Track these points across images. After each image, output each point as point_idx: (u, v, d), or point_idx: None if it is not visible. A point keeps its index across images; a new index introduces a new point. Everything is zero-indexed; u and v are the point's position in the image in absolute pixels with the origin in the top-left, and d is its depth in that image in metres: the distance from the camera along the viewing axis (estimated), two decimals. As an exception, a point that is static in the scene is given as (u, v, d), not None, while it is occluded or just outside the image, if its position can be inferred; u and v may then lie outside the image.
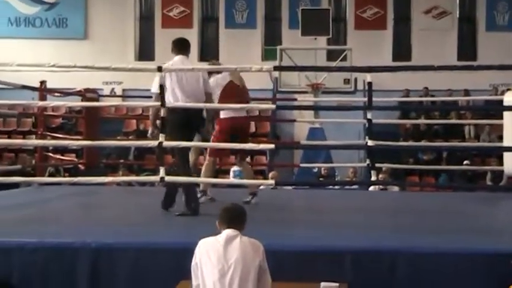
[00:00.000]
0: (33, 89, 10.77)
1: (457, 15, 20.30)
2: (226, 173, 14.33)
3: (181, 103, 7.00)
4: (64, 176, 14.55)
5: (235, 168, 13.23)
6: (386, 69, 9.87)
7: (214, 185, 9.01)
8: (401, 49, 20.35)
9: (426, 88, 18.39)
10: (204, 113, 7.43)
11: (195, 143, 8.11)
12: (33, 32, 20.64)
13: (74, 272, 5.07)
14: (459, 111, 18.27)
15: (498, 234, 6.04)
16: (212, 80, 7.85)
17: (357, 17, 20.38)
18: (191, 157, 8.61)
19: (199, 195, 7.80)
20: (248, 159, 10.98)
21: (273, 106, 11.71)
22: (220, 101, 7.94)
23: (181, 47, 7.36)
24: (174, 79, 7.07)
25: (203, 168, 8.18)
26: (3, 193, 10.12)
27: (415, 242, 5.34)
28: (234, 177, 13.15)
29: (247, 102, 8.37)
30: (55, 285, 5.10)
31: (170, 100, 7.02)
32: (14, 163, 16.38)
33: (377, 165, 7.56)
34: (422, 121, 17.65)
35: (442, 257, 5.00)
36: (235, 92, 8.06)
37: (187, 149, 7.34)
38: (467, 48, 20.05)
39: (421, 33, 20.07)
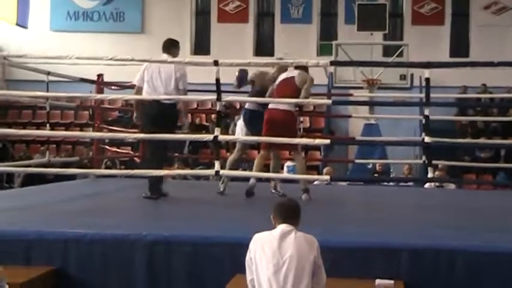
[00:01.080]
0: (90, 82, 10.93)
1: (518, 11, 19.93)
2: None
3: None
4: (120, 169, 14.69)
5: (289, 163, 13.21)
6: (445, 65, 9.69)
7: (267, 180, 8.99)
8: (459, 45, 20.09)
9: (484, 85, 18.05)
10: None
11: (247, 137, 8.14)
12: (91, 26, 20.95)
13: (131, 264, 5.10)
14: (518, 108, 17.93)
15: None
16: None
17: (414, 12, 20.19)
18: (234, 153, 8.67)
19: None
20: (302, 154, 10.85)
21: (329, 101, 11.62)
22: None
23: (166, 46, 7.88)
24: (149, 75, 7.64)
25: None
26: (60, 184, 10.29)
27: (473, 240, 5.23)
28: (288, 172, 13.13)
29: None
30: (112, 277, 5.14)
31: (145, 93, 7.68)
32: (72, 155, 16.65)
33: (433, 162, 7.47)
34: (480, 118, 17.35)
35: (501, 255, 4.90)
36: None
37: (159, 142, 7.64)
38: (528, 45, 19.65)
39: (480, 29, 19.76)
